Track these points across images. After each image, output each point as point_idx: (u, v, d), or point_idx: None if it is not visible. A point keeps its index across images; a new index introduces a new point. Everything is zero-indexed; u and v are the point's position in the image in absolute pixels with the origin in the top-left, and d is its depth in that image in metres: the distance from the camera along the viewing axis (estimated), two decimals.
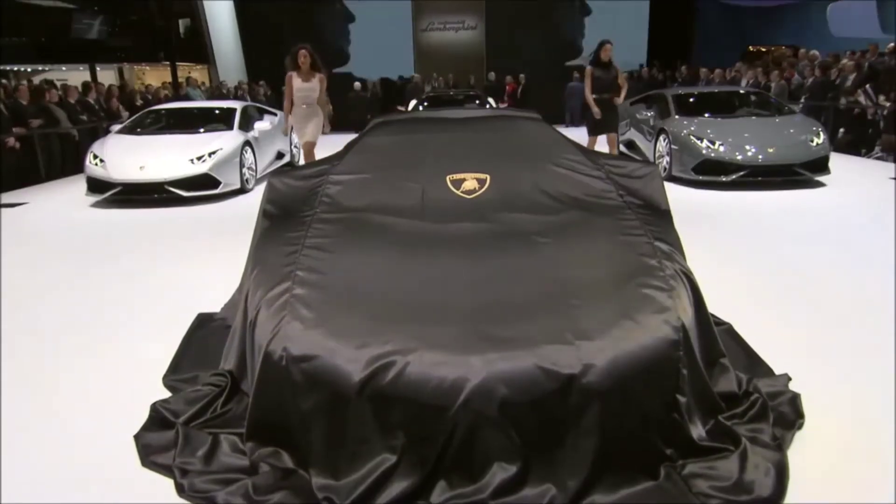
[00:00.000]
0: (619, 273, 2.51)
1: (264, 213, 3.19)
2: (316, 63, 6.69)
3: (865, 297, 3.86)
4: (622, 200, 3.06)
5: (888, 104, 9.06)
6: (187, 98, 14.38)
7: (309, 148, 6.93)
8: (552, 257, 2.65)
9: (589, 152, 3.55)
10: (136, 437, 2.47)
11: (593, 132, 7.69)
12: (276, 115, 9.92)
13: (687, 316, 2.34)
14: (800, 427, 2.41)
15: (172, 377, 3.00)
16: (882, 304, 3.71)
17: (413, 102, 12.36)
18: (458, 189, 3.16)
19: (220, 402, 2.64)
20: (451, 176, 3.23)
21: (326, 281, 2.51)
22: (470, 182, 3.19)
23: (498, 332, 2.21)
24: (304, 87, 6.68)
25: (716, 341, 2.65)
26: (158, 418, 2.58)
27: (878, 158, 9.47)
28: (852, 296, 3.89)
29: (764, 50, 19.64)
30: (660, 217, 3.02)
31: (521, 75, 17.81)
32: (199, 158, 7.36)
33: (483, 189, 3.16)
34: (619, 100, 7.59)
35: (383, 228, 2.92)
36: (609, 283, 2.46)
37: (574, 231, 2.84)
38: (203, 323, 3.64)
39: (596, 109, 7.41)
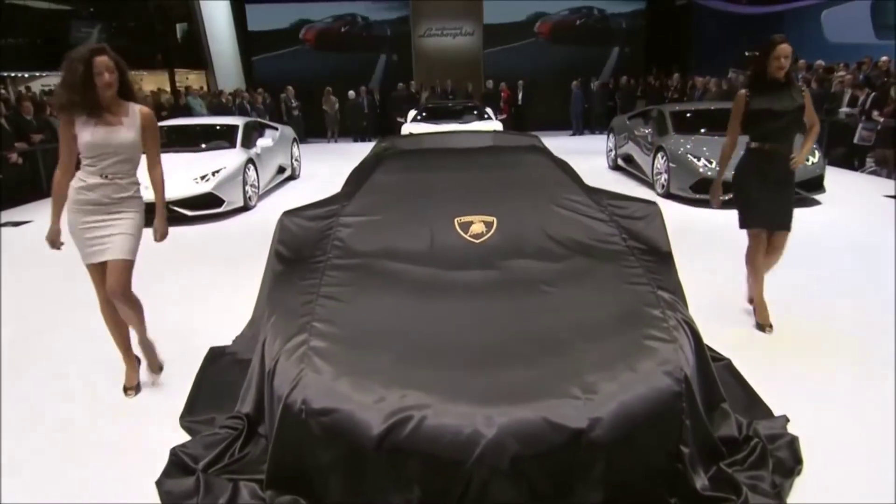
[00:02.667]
0: (624, 324, 2.61)
1: (277, 255, 3.27)
2: (129, 87, 3.09)
3: (862, 325, 3.98)
4: (625, 245, 3.16)
5: (881, 119, 9.18)
6: (187, 108, 14.45)
7: (119, 275, 3.11)
8: (558, 308, 2.74)
9: (591, 191, 3.63)
10: (158, 484, 2.56)
11: (750, 222, 3.87)
12: (276, 129, 10.01)
13: (689, 366, 2.44)
14: (798, 473, 2.52)
15: (189, 418, 3.08)
16: (880, 332, 3.83)
17: (412, 113, 12.48)
18: (466, 233, 3.26)
19: (238, 445, 2.73)
20: (458, 219, 3.32)
21: (342, 333, 2.60)
22: (477, 225, 3.29)
23: (508, 386, 2.31)
24: (105, 141, 3.00)
25: (716, 386, 2.76)
26: (178, 463, 2.66)
27: (871, 172, 9.60)
28: (850, 324, 4.00)
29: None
30: (662, 261, 3.12)
31: (520, 82, 17.96)
32: (202, 178, 7.43)
33: (490, 233, 3.25)
34: (799, 160, 3.71)
35: (395, 276, 3.01)
36: (614, 334, 2.56)
37: (579, 280, 2.94)
38: (215, 358, 3.72)
39: (720, 177, 4.02)
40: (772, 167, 3.74)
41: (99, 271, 3.16)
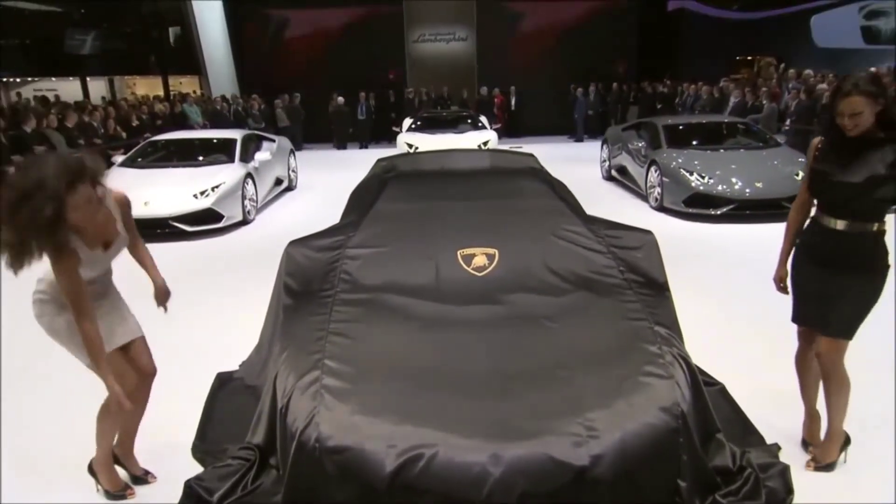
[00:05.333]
0: (622, 361, 2.73)
1: (286, 288, 3.35)
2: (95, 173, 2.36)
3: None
4: (622, 278, 3.28)
5: None
6: (183, 115, 14.47)
7: (148, 350, 2.89)
8: (559, 344, 2.86)
9: (588, 220, 3.73)
10: None
11: (795, 315, 2.97)
12: (273, 140, 10.09)
13: (685, 402, 2.56)
14: (790, 503, 2.64)
15: (201, 447, 3.17)
16: (870, 350, 3.92)
17: (407, 122, 12.63)
18: (468, 265, 3.36)
19: (251, 477, 2.82)
20: (461, 251, 3.42)
21: (353, 371, 2.71)
22: (480, 258, 3.39)
23: (513, 422, 2.42)
24: (107, 258, 2.64)
25: (711, 417, 2.87)
26: (193, 496, 2.75)
27: None
28: None
29: (750, 59, 20.08)
30: (658, 293, 3.23)
31: (512, 87, 18.11)
32: (202, 193, 7.51)
33: (492, 266, 3.35)
34: None
35: (401, 311, 3.11)
36: (613, 371, 2.67)
37: (579, 315, 3.06)
38: (223, 383, 3.81)
39: (783, 254, 2.98)
40: (829, 246, 2.72)
41: (116, 356, 2.66)
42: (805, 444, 3.06)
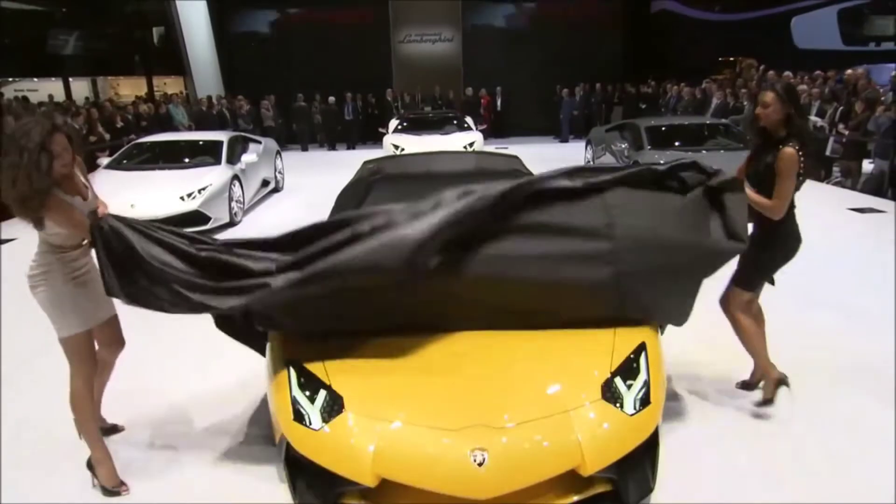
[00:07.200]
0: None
1: None
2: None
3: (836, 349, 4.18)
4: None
5: (846, 132, 9.56)
6: (168, 116, 14.41)
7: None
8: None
9: None
10: None
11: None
12: (260, 142, 10.10)
13: None
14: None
15: None
16: (852, 357, 4.07)
17: (393, 123, 12.68)
18: None
19: None
20: None
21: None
22: None
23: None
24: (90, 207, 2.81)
25: None
26: None
27: (836, 183, 9.99)
28: (827, 351, 4.17)
29: (732, 60, 20.34)
30: None
31: (498, 88, 18.23)
32: (189, 195, 7.53)
33: None
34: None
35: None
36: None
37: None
38: None
39: None
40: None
41: (89, 337, 2.88)
42: (745, 384, 3.67)
